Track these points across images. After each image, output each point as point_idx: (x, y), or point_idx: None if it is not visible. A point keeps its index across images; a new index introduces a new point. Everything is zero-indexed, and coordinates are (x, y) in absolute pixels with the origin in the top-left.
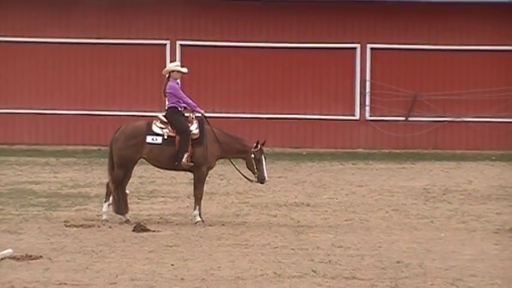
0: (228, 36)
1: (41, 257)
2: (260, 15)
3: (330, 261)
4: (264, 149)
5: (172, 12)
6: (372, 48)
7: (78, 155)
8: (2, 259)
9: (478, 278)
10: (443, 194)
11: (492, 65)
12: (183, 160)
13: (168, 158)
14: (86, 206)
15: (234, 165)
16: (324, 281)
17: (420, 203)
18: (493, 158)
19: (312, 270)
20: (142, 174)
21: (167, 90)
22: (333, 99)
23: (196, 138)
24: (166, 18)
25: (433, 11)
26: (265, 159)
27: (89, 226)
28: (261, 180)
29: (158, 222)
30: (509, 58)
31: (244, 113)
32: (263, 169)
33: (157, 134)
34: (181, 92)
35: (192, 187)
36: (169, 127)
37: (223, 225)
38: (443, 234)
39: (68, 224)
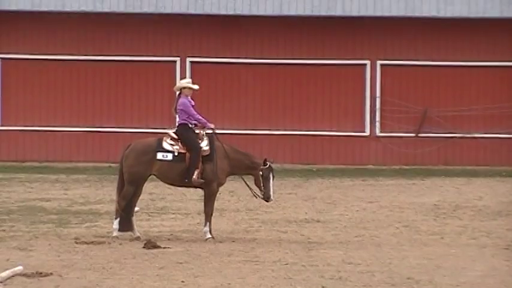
0: (237, 53)
1: (51, 274)
2: (269, 31)
3: (340, 278)
4: (274, 165)
5: (182, 30)
6: (381, 65)
7: (88, 171)
8: (12, 276)
9: None
10: (454, 210)
11: (502, 81)
12: (194, 177)
13: (178, 174)
14: (96, 223)
15: (243, 179)
16: None
17: (430, 219)
18: (503, 174)
19: (323, 287)
20: (153, 190)
21: (178, 107)
22: (343, 116)
23: (207, 155)
24: (176, 36)
25: (443, 27)
26: (273, 177)
27: (99, 243)
28: (266, 198)
29: (168, 239)
30: None
31: (254, 129)
32: (269, 187)
33: (168, 151)
34: (191, 108)
35: (203, 204)
36: (179, 144)
37: (233, 241)
38: (453, 251)
39: (78, 240)
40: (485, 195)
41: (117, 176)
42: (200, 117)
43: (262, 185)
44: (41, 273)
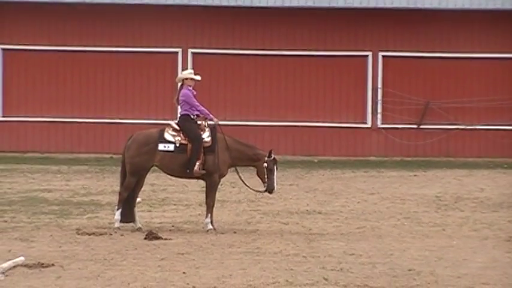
0: (239, 44)
1: (52, 264)
2: (272, 23)
3: (341, 269)
4: (276, 156)
5: (184, 21)
6: (383, 56)
7: (90, 163)
8: (14, 267)
9: (489, 286)
10: (455, 202)
11: (504, 73)
12: (195, 168)
13: (180, 165)
14: (97, 214)
15: (240, 177)
16: None
17: (432, 210)
18: (505, 166)
19: (324, 278)
20: (154, 181)
21: (180, 98)
22: (344, 107)
23: (209, 146)
24: (178, 27)
25: (445, 19)
26: (277, 169)
27: (101, 234)
28: (270, 190)
29: (170, 230)
30: None
31: (256, 120)
32: (273, 179)
33: (170, 142)
34: (194, 99)
35: (204, 195)
36: (181, 135)
37: (234, 232)
38: (455, 242)
39: (80, 231)
40: (486, 187)
41: (118, 167)
42: (202, 108)
43: (266, 176)
44: (42, 264)
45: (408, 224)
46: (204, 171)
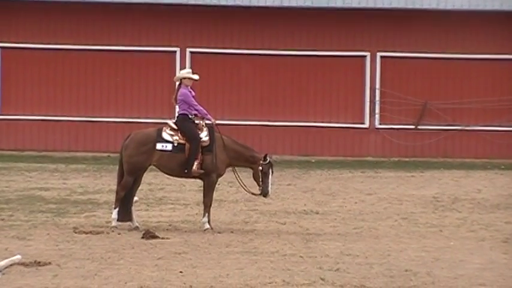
0: (237, 44)
1: (49, 263)
2: (270, 23)
3: (338, 270)
4: (274, 156)
5: (182, 20)
6: (382, 57)
7: (87, 161)
8: (11, 265)
9: (486, 287)
10: (452, 203)
11: (502, 74)
12: (193, 167)
13: (178, 165)
14: (95, 213)
15: (237, 177)
16: None
17: (429, 211)
18: (502, 167)
19: (321, 278)
20: (152, 181)
21: (179, 97)
22: (342, 107)
23: (206, 146)
24: (176, 26)
25: (443, 20)
26: (272, 173)
27: (98, 233)
28: (265, 194)
29: (167, 229)
30: None
31: (253, 120)
32: (268, 183)
33: (167, 141)
34: (192, 99)
35: (201, 194)
36: (179, 134)
37: (232, 232)
38: (452, 243)
39: (77, 230)
40: (484, 188)
41: (116, 166)
42: (200, 108)
43: (260, 180)
44: (39, 262)
45: (405, 224)
46: (202, 171)
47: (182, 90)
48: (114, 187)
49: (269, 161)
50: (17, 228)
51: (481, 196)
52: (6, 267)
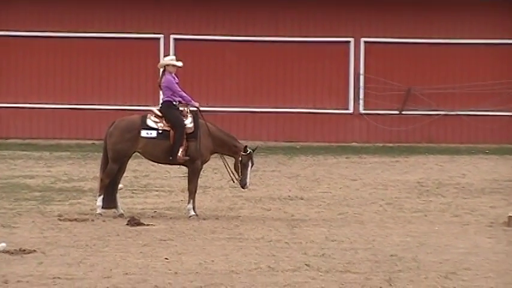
0: (221, 30)
1: (34, 251)
2: (254, 9)
3: (323, 255)
4: (258, 143)
5: (166, 6)
6: (365, 42)
7: (72, 149)
8: None
9: (471, 272)
10: (437, 188)
11: (486, 59)
12: (179, 154)
13: (162, 152)
14: (79, 200)
15: (224, 162)
16: (317, 275)
17: (414, 196)
18: (487, 151)
19: (306, 264)
20: (136, 168)
21: (163, 84)
22: (326, 93)
23: (191, 132)
24: (160, 12)
25: (427, 5)
26: (252, 165)
27: (83, 220)
28: (242, 185)
29: (152, 216)
30: (503, 52)
31: (238, 106)
32: (247, 175)
33: (152, 128)
34: (176, 85)
35: (186, 181)
36: (163, 121)
37: (217, 219)
38: (437, 228)
39: (62, 218)
40: (468, 173)
41: (100, 154)
42: (184, 94)
43: (240, 171)
44: (24, 250)
45: (390, 210)
46: (187, 158)
47: (166, 77)
48: (99, 174)
49: (249, 152)
50: (1, 216)
51: (466, 181)
52: None
